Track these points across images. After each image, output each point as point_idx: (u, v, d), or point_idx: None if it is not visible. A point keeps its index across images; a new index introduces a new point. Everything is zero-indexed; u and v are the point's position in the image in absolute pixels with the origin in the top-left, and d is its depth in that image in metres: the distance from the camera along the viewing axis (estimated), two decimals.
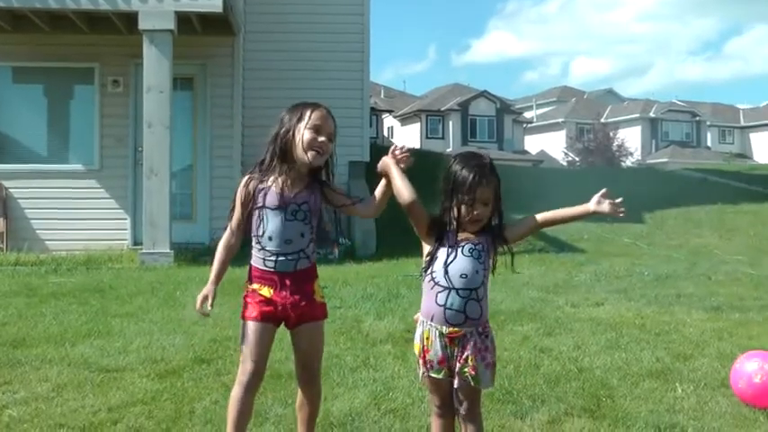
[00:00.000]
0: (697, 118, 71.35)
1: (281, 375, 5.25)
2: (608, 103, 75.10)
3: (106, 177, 13.06)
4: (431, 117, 62.12)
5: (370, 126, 20.41)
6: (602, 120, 67.38)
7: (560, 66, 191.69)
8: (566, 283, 9.66)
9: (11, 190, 12.97)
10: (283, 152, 3.52)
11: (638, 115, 69.28)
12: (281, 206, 3.51)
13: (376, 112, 44.58)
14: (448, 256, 3.34)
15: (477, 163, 3.36)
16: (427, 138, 58.87)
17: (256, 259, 3.58)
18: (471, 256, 3.33)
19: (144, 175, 11.46)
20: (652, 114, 69.62)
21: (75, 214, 12.82)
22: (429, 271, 3.40)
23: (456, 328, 3.31)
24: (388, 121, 61.45)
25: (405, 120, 63.47)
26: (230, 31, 13.09)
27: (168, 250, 11.09)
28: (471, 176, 3.29)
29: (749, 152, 69.52)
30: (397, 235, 13.42)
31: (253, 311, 3.53)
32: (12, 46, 13.14)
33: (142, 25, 11.29)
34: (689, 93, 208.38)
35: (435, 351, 3.34)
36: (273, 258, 3.53)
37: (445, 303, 3.31)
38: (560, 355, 5.89)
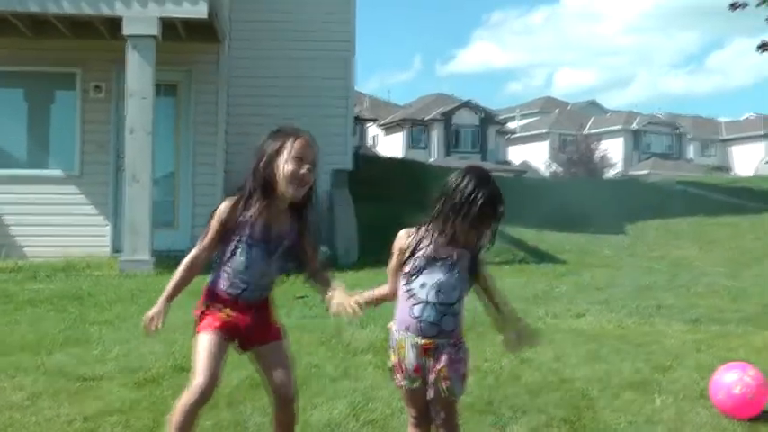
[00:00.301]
0: (678, 130, 72.00)
1: (260, 384, 5.19)
2: (591, 114, 75.57)
3: (86, 183, 12.96)
4: (414, 127, 62.31)
5: (354, 134, 20.38)
6: (585, 131, 67.84)
7: (544, 77, 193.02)
8: (546, 293, 9.66)
9: None
10: (266, 184, 3.41)
11: (620, 127, 69.79)
12: (264, 241, 3.44)
13: (360, 121, 44.56)
14: (426, 269, 3.30)
15: (491, 191, 3.26)
16: (410, 147, 59.05)
17: (223, 283, 3.51)
18: (451, 272, 3.29)
19: (126, 182, 11.37)
20: (634, 126, 70.17)
21: (54, 220, 12.69)
22: (406, 282, 3.34)
23: (429, 340, 3.29)
24: (372, 130, 61.49)
25: (388, 129, 63.60)
26: (215, 37, 13.04)
27: (149, 257, 11.01)
28: (484, 204, 3.21)
29: (730, 165, 70.06)
30: (380, 244, 13.42)
31: (212, 323, 3.48)
32: None
33: (126, 30, 11.21)
34: (671, 105, 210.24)
35: (410, 360, 3.32)
36: (243, 287, 3.48)
37: (420, 316, 3.29)
38: (541, 366, 5.87)
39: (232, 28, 14.07)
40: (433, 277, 3.28)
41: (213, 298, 3.52)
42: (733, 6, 20.32)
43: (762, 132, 70.04)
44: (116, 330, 6.86)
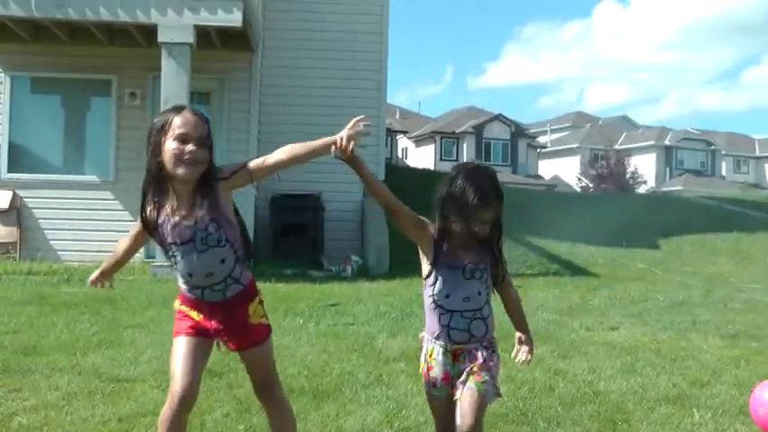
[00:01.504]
0: (712, 147, 71.29)
1: (293, 390, 5.20)
2: (623, 129, 75.05)
3: (121, 189, 13.08)
4: (445, 139, 62.22)
5: (385, 146, 20.41)
6: (617, 146, 67.29)
7: (575, 92, 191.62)
8: (580, 306, 9.59)
9: (25, 199, 13.01)
10: (158, 173, 3.10)
11: (652, 143, 69.25)
12: (188, 239, 3.12)
13: (390, 133, 44.65)
14: (449, 279, 3.28)
15: (481, 181, 3.23)
16: (441, 159, 58.92)
17: (183, 286, 3.27)
18: (473, 277, 3.27)
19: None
20: (667, 142, 69.58)
21: (88, 225, 12.83)
22: (431, 293, 3.31)
23: (461, 345, 3.27)
24: (403, 142, 61.55)
25: (419, 141, 63.57)
26: (248, 46, 13.13)
27: None
28: (474, 196, 3.16)
29: (764, 182, 69.30)
30: (411, 254, 13.41)
31: (183, 327, 3.24)
32: (31, 56, 13.23)
33: (161, 38, 11.33)
34: (704, 122, 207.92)
35: (439, 368, 3.29)
36: (199, 291, 3.22)
37: (449, 324, 3.27)
38: (575, 378, 5.82)
39: (265, 37, 14.16)
40: (456, 285, 3.26)
41: (182, 301, 3.30)
42: None
43: None
44: (149, 334, 6.89)
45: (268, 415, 3.54)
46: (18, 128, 13.39)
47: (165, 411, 3.14)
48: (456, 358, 3.27)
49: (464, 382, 3.23)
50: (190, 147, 3.06)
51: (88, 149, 13.52)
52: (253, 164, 3.30)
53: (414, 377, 5.70)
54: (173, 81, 11.36)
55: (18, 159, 13.31)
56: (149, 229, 3.22)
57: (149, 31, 11.77)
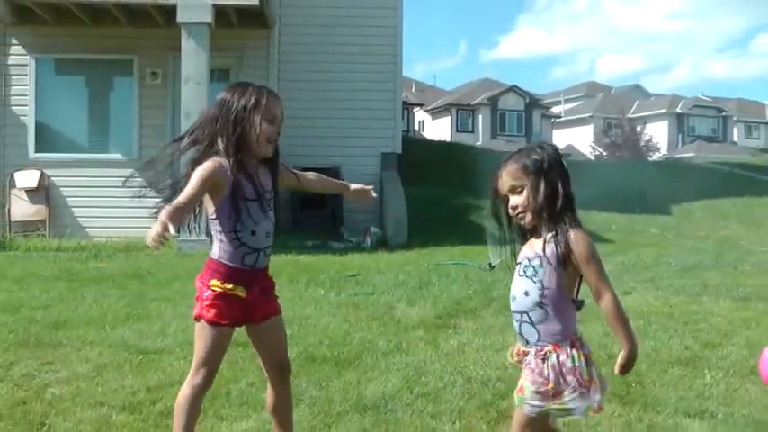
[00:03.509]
0: (723, 113, 70.61)
1: (315, 358, 5.23)
2: (635, 98, 74.40)
3: None
4: (461, 111, 61.96)
5: (402, 118, 20.34)
6: (629, 115, 66.74)
7: (588, 62, 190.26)
8: None
9: (53, 179, 13.09)
10: (239, 140, 3.16)
11: (664, 111, 68.65)
12: (258, 197, 3.19)
13: (407, 106, 44.40)
14: (514, 277, 2.95)
15: (512, 153, 2.97)
16: (457, 131, 58.73)
17: (231, 256, 3.22)
18: (525, 275, 2.87)
19: (182, 164, 11.46)
20: (678, 110, 68.95)
21: (114, 202, 12.86)
22: None
23: (523, 349, 2.93)
24: (419, 114, 61.27)
25: (435, 114, 63.31)
26: (266, 24, 13.10)
27: (205, 237, 11.10)
28: (498, 165, 2.93)
29: None
30: (429, 225, 13.43)
31: (223, 316, 3.23)
32: (54, 38, 13.23)
33: (180, 18, 11.31)
34: (714, 89, 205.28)
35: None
36: (255, 256, 3.23)
37: (517, 327, 2.94)
38: (591, 341, 5.69)
39: (282, 14, 14.09)
40: (513, 285, 2.94)
41: (225, 277, 3.22)
42: None
43: None
44: (175, 306, 6.93)
45: (277, 396, 3.48)
46: (44, 109, 13.43)
47: (190, 394, 3.26)
48: (520, 363, 2.96)
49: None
50: (275, 129, 3.24)
51: (112, 128, 13.57)
52: (299, 173, 3.59)
53: (432, 344, 5.73)
54: (192, 60, 11.36)
55: (45, 139, 13.37)
56: (233, 175, 3.14)
57: (168, 11, 11.74)
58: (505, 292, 3.03)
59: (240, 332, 5.65)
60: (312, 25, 14.59)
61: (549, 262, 2.82)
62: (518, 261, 2.93)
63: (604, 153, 57.38)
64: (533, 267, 2.85)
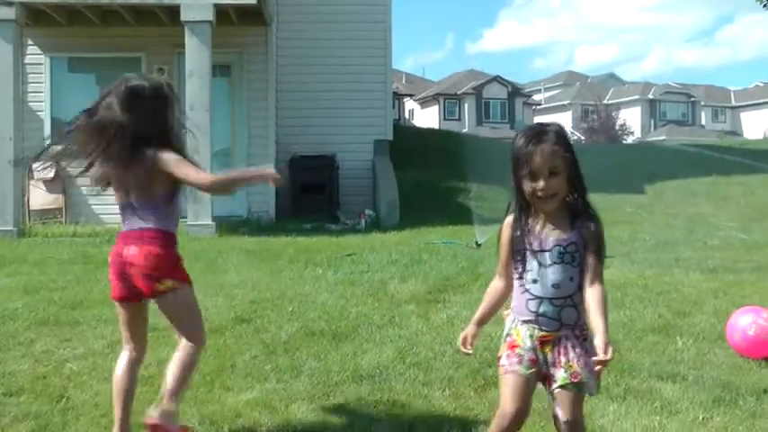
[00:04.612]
0: (692, 99, 70.74)
1: (314, 332, 5.23)
2: (610, 86, 74.47)
3: None
4: (448, 100, 61.89)
5: (393, 108, 20.29)
6: (605, 101, 66.83)
7: (566, 53, 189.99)
8: None
9: (68, 169, 13.00)
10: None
11: (637, 97, 68.77)
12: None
13: (398, 96, 44.34)
14: (537, 264, 2.75)
15: (536, 131, 2.76)
16: (445, 119, 58.69)
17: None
18: (563, 261, 2.71)
19: (187, 154, 11.43)
20: (651, 96, 69.09)
21: None
22: (519, 275, 2.80)
23: (549, 333, 2.74)
24: (409, 104, 61.21)
25: (424, 103, 63.22)
26: (263, 21, 13.02)
27: (210, 222, 11.10)
28: (525, 143, 2.70)
29: (739, 130, 68.72)
30: (419, 207, 13.41)
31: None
32: (67, 39, 13.14)
33: (184, 17, 11.25)
34: (684, 76, 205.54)
35: (525, 348, 2.77)
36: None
37: (537, 310, 2.74)
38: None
39: (279, 12, 14.01)
40: (545, 273, 2.73)
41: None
42: None
43: None
44: None
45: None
46: (58, 104, 13.34)
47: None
48: (543, 345, 2.75)
49: (559, 380, 2.73)
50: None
51: None
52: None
53: (423, 318, 5.72)
54: (196, 56, 11.31)
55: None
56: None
57: (172, 11, 11.67)
58: (491, 269, 3.00)
59: (241, 309, 5.65)
60: (308, 22, 14.52)
61: (583, 246, 2.72)
62: (545, 246, 2.74)
63: (582, 137, 57.47)
64: (571, 254, 2.71)
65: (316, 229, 11.95)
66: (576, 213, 2.76)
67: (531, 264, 2.76)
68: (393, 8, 15.20)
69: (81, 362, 4.57)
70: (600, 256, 2.72)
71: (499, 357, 2.86)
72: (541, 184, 2.69)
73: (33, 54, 13.14)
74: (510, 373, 2.77)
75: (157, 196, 3.32)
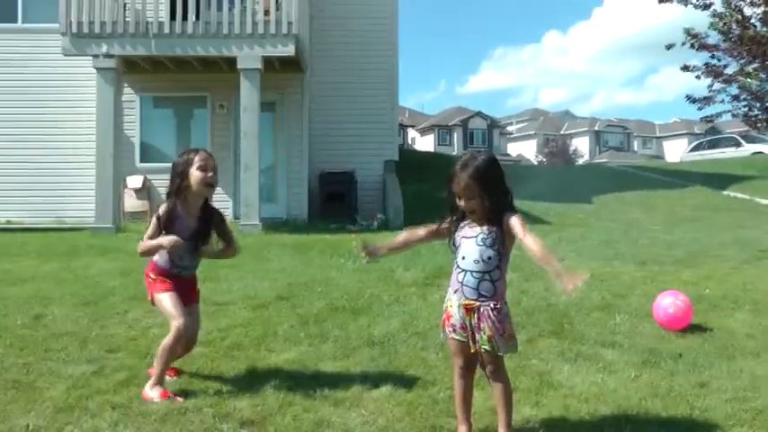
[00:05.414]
0: (627, 131, 70.58)
1: (338, 308, 5.23)
2: (566, 120, 74.30)
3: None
4: (441, 130, 61.93)
5: (399, 136, 20.26)
6: (562, 132, 66.71)
7: (532, 94, 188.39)
8: None
9: (152, 181, 13.07)
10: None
11: (586, 129, 68.66)
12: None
13: (403, 127, 44.36)
14: (465, 244, 2.86)
15: (464, 161, 2.84)
16: (438, 145, 58.73)
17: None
18: (484, 244, 2.80)
19: (241, 171, 11.48)
20: (596, 128, 68.90)
21: None
22: (455, 255, 2.91)
23: (470, 301, 2.82)
24: (411, 133, 61.18)
25: (423, 132, 63.22)
26: (300, 69, 13.02)
27: (258, 222, 11.10)
28: (455, 169, 2.82)
29: (662, 155, 68.42)
30: (419, 212, 13.35)
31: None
32: (152, 83, 13.17)
33: (240, 65, 11.28)
34: (621, 113, 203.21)
35: (456, 318, 2.87)
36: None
37: (462, 281, 2.84)
38: (535, 295, 5.80)
39: (313, 60, 14.01)
40: (470, 250, 2.84)
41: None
42: (668, 47, 19.46)
43: (684, 132, 68.26)
44: (237, 272, 6.88)
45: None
46: (145, 132, 13.41)
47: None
48: (467, 312, 2.84)
49: (480, 342, 2.83)
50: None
51: (192, 144, 13.45)
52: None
53: (422, 298, 5.70)
54: (248, 95, 11.32)
55: (146, 153, 13.35)
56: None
57: (231, 61, 11.68)
58: None
59: (281, 290, 5.63)
60: (334, 69, 14.48)
61: (501, 236, 2.84)
62: (470, 236, 2.86)
63: (544, 160, 57.28)
64: (492, 239, 2.82)
65: (339, 229, 11.91)
66: (496, 216, 2.84)
67: (462, 246, 2.88)
68: (399, 60, 15.19)
69: (161, 329, 4.57)
70: (522, 223, 2.78)
71: (441, 326, 2.97)
72: (462, 203, 2.85)
73: (128, 94, 13.16)
74: (450, 339, 2.93)
75: None
